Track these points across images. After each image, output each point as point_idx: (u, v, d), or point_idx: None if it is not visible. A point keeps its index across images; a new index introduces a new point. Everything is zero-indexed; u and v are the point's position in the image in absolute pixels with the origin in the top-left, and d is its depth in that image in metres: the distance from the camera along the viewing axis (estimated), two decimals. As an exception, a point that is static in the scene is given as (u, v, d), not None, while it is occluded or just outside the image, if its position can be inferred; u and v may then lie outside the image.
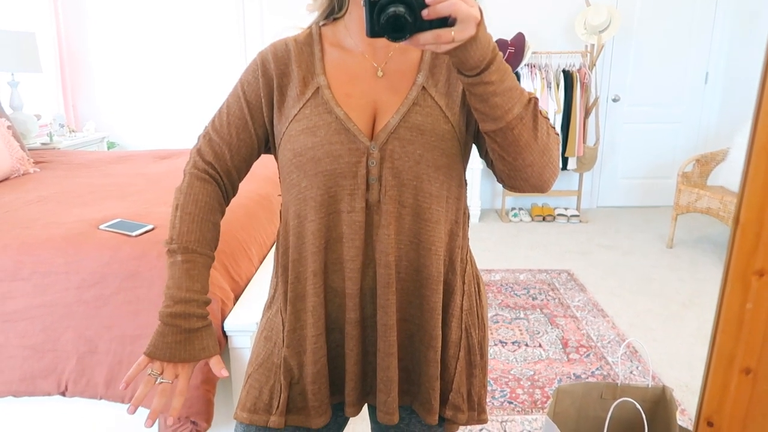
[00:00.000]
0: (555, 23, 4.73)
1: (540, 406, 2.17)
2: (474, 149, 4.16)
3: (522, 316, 2.95)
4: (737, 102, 4.91)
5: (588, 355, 2.54)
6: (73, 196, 2.19)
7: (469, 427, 2.04)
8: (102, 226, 1.76)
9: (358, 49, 0.89)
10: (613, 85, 4.89)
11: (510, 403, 2.18)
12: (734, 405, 0.61)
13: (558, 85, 4.46)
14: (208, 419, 1.60)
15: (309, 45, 0.91)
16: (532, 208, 4.86)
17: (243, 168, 0.95)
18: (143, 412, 1.73)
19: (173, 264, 0.88)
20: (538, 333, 2.75)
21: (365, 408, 1.87)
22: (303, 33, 0.93)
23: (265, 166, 2.66)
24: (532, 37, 4.64)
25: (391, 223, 0.85)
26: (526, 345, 2.63)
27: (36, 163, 2.99)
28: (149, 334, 1.60)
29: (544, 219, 4.74)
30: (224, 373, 0.89)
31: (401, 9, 0.61)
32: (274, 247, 2.19)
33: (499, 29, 4.60)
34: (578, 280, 3.44)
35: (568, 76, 4.46)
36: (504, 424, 2.06)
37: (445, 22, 0.63)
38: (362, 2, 0.63)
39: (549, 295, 3.21)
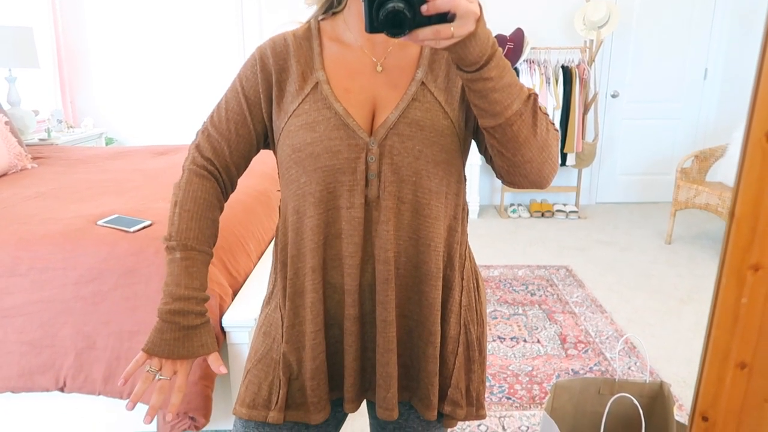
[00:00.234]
0: (554, 19, 4.72)
1: (538, 401, 2.17)
2: (473, 145, 4.16)
3: (520, 311, 2.95)
4: (736, 98, 4.91)
5: (586, 351, 2.54)
6: (70, 192, 2.19)
7: (467, 422, 2.04)
8: (100, 222, 1.76)
9: (357, 44, 0.88)
10: (612, 81, 4.88)
11: (508, 398, 2.19)
12: (729, 399, 0.61)
13: (557, 81, 4.45)
14: (207, 415, 1.60)
15: (308, 40, 0.90)
16: (531, 204, 4.86)
17: (242, 164, 0.95)
18: (142, 408, 1.73)
19: (172, 261, 0.88)
20: (537, 329, 2.76)
21: (364, 403, 1.87)
22: (302, 27, 0.93)
23: (263, 162, 2.66)
24: (531, 32, 4.63)
25: (390, 219, 0.85)
26: (525, 341, 2.64)
27: (34, 158, 2.98)
28: (147, 330, 1.60)
29: (542, 215, 4.74)
30: (223, 370, 0.89)
31: (400, 4, 0.61)
32: (272, 243, 2.19)
33: (497, 25, 4.59)
34: (577, 276, 3.45)
35: (567, 72, 4.46)
36: (502, 419, 2.06)
37: (445, 17, 0.63)
38: None
39: (547, 291, 3.21)
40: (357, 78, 0.87)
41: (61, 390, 1.64)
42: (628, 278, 3.42)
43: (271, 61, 0.89)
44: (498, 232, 4.33)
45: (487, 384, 2.30)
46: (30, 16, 4.21)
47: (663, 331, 2.75)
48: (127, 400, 1.63)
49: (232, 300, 1.70)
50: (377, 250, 0.86)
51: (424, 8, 0.62)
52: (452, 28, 0.64)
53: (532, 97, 0.75)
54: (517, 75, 4.64)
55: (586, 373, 2.36)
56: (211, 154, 0.92)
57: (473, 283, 0.97)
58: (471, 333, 0.96)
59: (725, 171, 3.81)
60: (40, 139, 3.79)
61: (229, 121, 0.91)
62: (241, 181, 2.14)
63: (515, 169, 0.80)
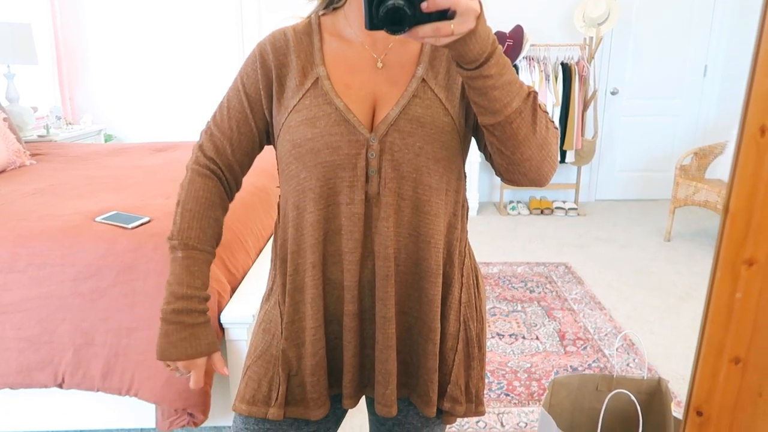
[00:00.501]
0: (553, 16, 4.71)
1: (537, 398, 2.17)
2: (473, 142, 4.15)
3: (519, 308, 2.95)
4: (735, 95, 4.90)
5: (585, 348, 2.55)
6: (69, 189, 2.19)
7: (466, 419, 2.05)
8: (98, 219, 1.76)
9: (357, 40, 0.88)
10: (612, 78, 4.88)
11: (507, 395, 2.19)
12: (723, 394, 0.62)
13: (556, 78, 4.45)
14: (205, 411, 1.61)
15: (308, 35, 0.90)
16: (530, 201, 4.86)
17: (245, 162, 0.95)
18: (139, 404, 1.74)
19: (174, 260, 0.90)
20: (536, 326, 2.76)
21: (363, 400, 1.88)
22: (302, 22, 0.92)
23: (261, 158, 2.65)
24: (530, 29, 4.62)
25: (390, 216, 0.85)
26: (524, 337, 2.64)
27: (32, 155, 2.98)
28: (146, 326, 1.60)
29: (542, 212, 4.74)
30: (225, 371, 0.91)
31: (400, 1, 0.61)
32: (271, 239, 2.19)
33: (497, 22, 4.59)
34: (576, 273, 3.45)
35: (566, 69, 4.45)
36: (501, 416, 2.07)
37: (445, 14, 0.63)
38: None
39: (546, 288, 3.21)
40: (357, 74, 0.87)
41: (60, 386, 1.65)
42: (627, 275, 3.42)
43: (271, 57, 0.89)
44: (497, 229, 4.33)
45: (486, 381, 2.31)
46: (28, 12, 4.20)
47: (662, 328, 2.75)
48: (126, 396, 1.64)
49: (231, 297, 1.70)
50: (377, 246, 0.86)
51: (424, 5, 0.61)
52: (452, 26, 0.63)
53: (531, 95, 0.75)
54: (517, 72, 4.63)
55: (584, 370, 2.37)
56: (214, 154, 0.92)
57: (473, 280, 0.97)
58: (471, 330, 0.96)
59: (724, 168, 3.81)
60: (39, 136, 3.78)
61: (231, 119, 0.91)
62: (240, 178, 2.14)
63: (514, 167, 0.80)
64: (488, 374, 2.34)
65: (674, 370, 2.38)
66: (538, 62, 4.47)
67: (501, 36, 4.31)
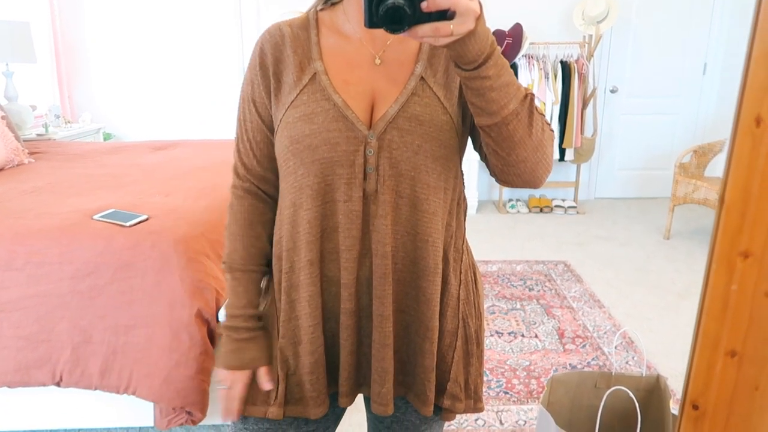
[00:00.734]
0: (553, 14, 4.71)
1: (536, 396, 2.17)
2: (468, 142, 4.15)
3: (518, 306, 2.95)
4: (735, 93, 4.89)
5: (584, 346, 2.54)
6: (67, 187, 2.19)
7: (465, 416, 2.05)
8: (96, 216, 1.76)
9: (356, 36, 0.87)
10: (611, 76, 4.87)
11: (506, 393, 2.19)
12: (719, 388, 0.61)
13: (556, 76, 4.45)
14: (203, 409, 1.60)
15: (305, 29, 0.89)
16: (530, 199, 4.86)
17: (275, 167, 0.94)
18: (137, 402, 1.73)
19: (227, 281, 0.96)
20: (535, 324, 2.76)
21: (362, 399, 1.88)
22: (299, 18, 0.92)
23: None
24: (529, 27, 4.61)
25: (388, 214, 0.85)
26: (523, 336, 2.64)
27: (31, 153, 2.98)
28: (143, 324, 1.60)
29: (541, 210, 4.74)
30: (267, 386, 0.92)
31: (400, 1, 0.61)
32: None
33: (496, 20, 4.58)
34: (575, 271, 3.45)
35: (565, 67, 4.45)
36: (500, 414, 2.07)
37: (444, 14, 0.62)
38: None
39: (545, 286, 3.21)
40: (355, 70, 0.86)
41: (58, 384, 1.64)
42: (627, 273, 3.42)
43: (269, 55, 0.88)
44: (496, 228, 4.33)
45: (485, 378, 2.31)
46: (27, 10, 4.19)
47: (661, 326, 2.75)
48: (124, 395, 1.64)
49: (229, 294, 1.69)
50: (375, 244, 0.85)
51: (424, 5, 0.61)
52: (452, 26, 0.63)
53: (528, 97, 0.75)
54: (516, 70, 4.64)
55: (583, 368, 2.37)
56: (244, 171, 0.94)
57: (471, 277, 0.97)
58: (469, 327, 0.96)
59: (723, 166, 3.80)
60: (38, 135, 3.78)
61: (247, 131, 0.92)
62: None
63: (509, 168, 0.80)
64: (487, 372, 2.34)
65: (673, 367, 2.38)
66: (538, 60, 4.46)
67: (500, 34, 4.30)
